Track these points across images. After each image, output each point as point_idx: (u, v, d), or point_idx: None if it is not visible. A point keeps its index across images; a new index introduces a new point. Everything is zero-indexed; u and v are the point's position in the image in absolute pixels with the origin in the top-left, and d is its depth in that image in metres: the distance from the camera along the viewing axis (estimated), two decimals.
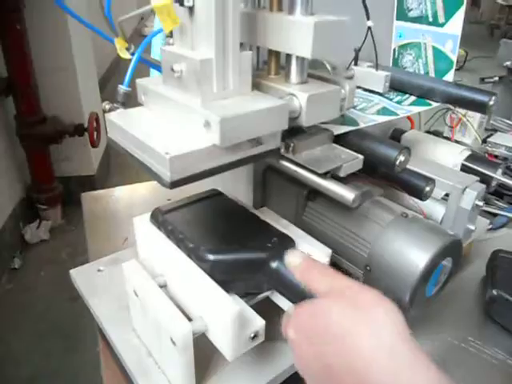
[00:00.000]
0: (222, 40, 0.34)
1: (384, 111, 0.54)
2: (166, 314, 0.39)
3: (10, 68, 1.73)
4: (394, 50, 0.67)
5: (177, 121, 0.36)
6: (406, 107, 0.57)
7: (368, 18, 0.56)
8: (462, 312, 0.60)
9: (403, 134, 0.75)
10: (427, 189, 0.50)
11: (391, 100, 0.58)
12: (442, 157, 0.68)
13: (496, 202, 0.87)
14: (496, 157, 0.99)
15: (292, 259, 0.36)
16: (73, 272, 0.57)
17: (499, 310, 0.58)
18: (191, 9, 0.34)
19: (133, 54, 0.42)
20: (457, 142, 1.02)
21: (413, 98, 0.60)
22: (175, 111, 0.36)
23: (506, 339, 0.55)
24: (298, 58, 0.39)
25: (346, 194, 0.37)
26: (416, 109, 0.57)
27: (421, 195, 0.50)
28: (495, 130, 1.14)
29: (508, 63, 1.08)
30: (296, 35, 0.36)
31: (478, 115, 1.05)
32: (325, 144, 0.41)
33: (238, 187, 0.55)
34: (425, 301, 0.49)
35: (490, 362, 0.52)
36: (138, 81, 0.40)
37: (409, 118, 0.76)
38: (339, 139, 0.45)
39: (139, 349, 0.45)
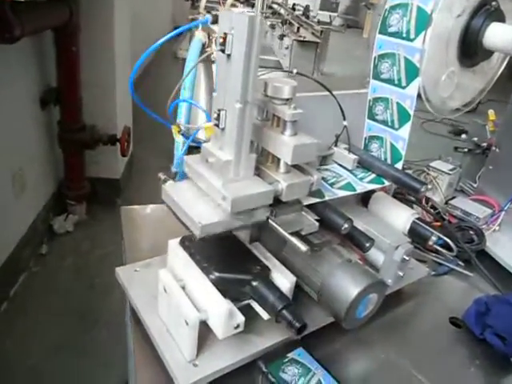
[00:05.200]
0: (239, 148, 0.58)
1: (347, 186, 0.77)
2: (184, 305, 0.62)
3: (62, 81, 2.00)
4: (370, 100, 0.86)
5: (206, 193, 0.60)
6: (365, 184, 0.80)
7: (344, 119, 0.80)
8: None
9: (373, 194, 0.98)
10: (367, 245, 0.73)
11: (356, 176, 0.82)
12: (397, 216, 0.91)
13: (446, 254, 1.09)
14: (454, 217, 1.21)
15: None
16: (118, 269, 0.80)
17: None
18: (223, 129, 0.58)
19: (184, 136, 0.66)
20: (427, 198, 1.25)
21: (373, 175, 0.84)
22: (205, 185, 0.60)
23: None
24: None
25: (301, 246, 0.60)
26: (371, 186, 0.81)
27: (363, 249, 0.73)
28: (463, 191, 1.37)
29: (475, 139, 1.31)
30: (283, 148, 0.60)
31: (447, 178, 1.28)
32: (296, 212, 0.65)
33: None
34: (356, 321, 0.72)
35: None
36: (186, 158, 0.64)
37: None
38: (311, 206, 0.69)
39: (161, 326, 0.68)
